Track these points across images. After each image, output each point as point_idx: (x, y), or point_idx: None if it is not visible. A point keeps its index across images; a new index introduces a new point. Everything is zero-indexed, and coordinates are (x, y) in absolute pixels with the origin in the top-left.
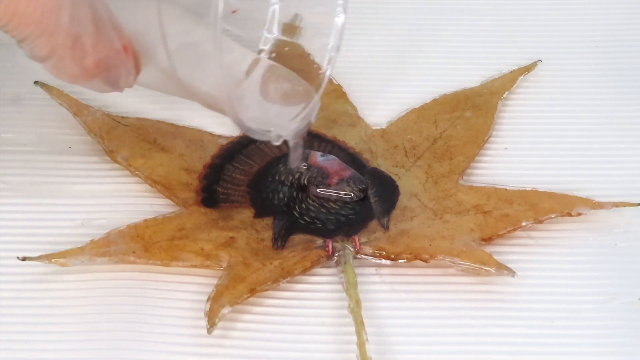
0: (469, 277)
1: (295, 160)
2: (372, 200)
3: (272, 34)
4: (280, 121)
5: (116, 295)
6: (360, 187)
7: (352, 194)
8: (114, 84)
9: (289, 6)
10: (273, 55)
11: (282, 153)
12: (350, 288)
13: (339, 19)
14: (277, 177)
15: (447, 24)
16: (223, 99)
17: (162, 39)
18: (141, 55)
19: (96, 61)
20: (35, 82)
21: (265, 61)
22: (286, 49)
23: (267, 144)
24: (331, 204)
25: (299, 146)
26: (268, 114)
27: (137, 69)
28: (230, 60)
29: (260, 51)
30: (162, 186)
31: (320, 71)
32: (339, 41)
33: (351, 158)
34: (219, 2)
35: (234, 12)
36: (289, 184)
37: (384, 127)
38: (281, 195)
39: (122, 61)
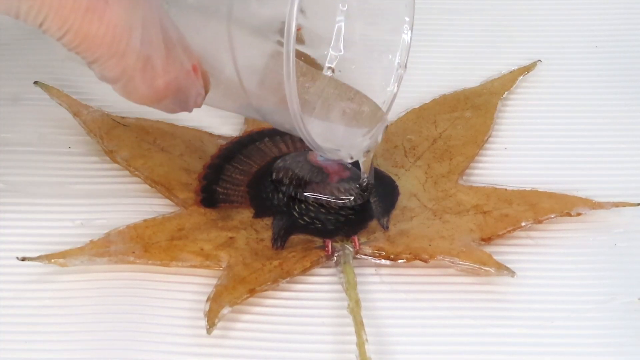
0: (469, 277)
1: (367, 177)
2: (371, 201)
3: (338, 52)
4: (348, 141)
5: (116, 295)
6: (362, 190)
7: (350, 199)
8: (184, 105)
9: (355, 23)
10: (339, 72)
11: (281, 153)
12: (350, 288)
13: (406, 36)
14: (274, 177)
15: (447, 24)
16: (294, 119)
17: (232, 61)
18: (210, 75)
19: (166, 82)
20: (35, 82)
21: (331, 80)
22: (353, 67)
23: (266, 143)
24: (331, 203)
25: (368, 163)
26: (336, 134)
27: (206, 89)
28: (302, 81)
29: (326, 69)
30: (162, 186)
31: (387, 89)
32: (406, 58)
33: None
34: (292, 27)
35: (299, 29)
36: (287, 182)
37: None
38: (280, 195)
39: (192, 82)
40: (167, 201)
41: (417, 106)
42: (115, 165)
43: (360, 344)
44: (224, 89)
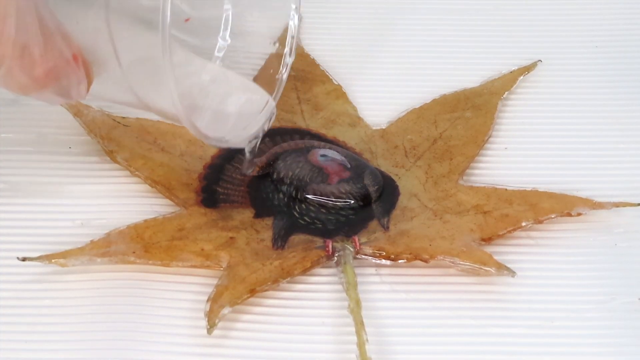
0: (469, 277)
1: (248, 168)
2: (373, 199)
3: (225, 41)
4: (235, 129)
5: (116, 296)
6: (361, 190)
7: (350, 200)
8: (66, 94)
9: (243, 12)
10: (227, 62)
11: (282, 149)
12: (350, 288)
13: (293, 22)
14: (275, 176)
15: (447, 24)
16: (179, 111)
17: (113, 50)
18: (93, 65)
19: (46, 71)
20: None
21: (221, 70)
22: (242, 55)
23: (266, 143)
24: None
25: (253, 153)
26: (224, 123)
27: (89, 79)
28: (187, 72)
29: (215, 58)
30: (162, 186)
31: (276, 76)
32: (294, 45)
33: (352, 156)
34: (167, 11)
35: (187, 20)
36: (288, 182)
37: (384, 127)
38: (281, 195)
39: (73, 71)
40: (168, 201)
41: (417, 106)
42: (115, 165)
43: (361, 344)
44: (108, 80)
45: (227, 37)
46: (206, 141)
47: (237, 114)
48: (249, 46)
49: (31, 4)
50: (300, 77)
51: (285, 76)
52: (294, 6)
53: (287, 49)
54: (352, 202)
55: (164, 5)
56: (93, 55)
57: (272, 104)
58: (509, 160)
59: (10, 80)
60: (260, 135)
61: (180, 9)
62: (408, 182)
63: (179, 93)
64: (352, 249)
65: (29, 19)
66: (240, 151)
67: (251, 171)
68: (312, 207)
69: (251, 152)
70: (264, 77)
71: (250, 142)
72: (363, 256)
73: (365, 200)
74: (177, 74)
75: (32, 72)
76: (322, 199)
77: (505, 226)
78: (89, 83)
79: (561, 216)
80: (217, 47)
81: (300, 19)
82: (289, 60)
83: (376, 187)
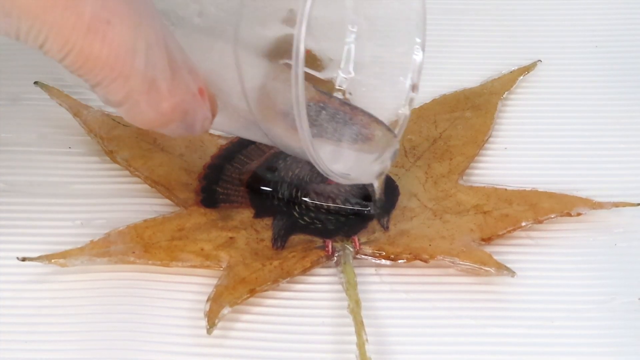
0: (469, 277)
1: (376, 208)
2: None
3: (348, 74)
4: (359, 165)
5: (116, 296)
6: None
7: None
8: (191, 128)
9: (365, 44)
10: (349, 95)
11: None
12: (350, 288)
13: (417, 57)
14: (277, 174)
15: (447, 24)
16: (304, 144)
17: (240, 83)
18: (217, 98)
19: (172, 106)
20: (35, 82)
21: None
22: (364, 89)
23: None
24: (330, 200)
25: (380, 186)
26: (346, 158)
27: (214, 112)
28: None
29: (336, 92)
30: (162, 186)
31: (399, 111)
32: (418, 79)
33: None
34: (300, 47)
35: (307, 52)
36: (288, 180)
37: None
38: (280, 195)
39: (199, 105)
40: (167, 201)
41: (417, 106)
42: (115, 165)
43: (361, 344)
44: (232, 112)
45: (350, 70)
46: (329, 176)
47: (358, 149)
48: (369, 80)
49: (160, 37)
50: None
51: (408, 112)
52: (419, 40)
53: (409, 83)
54: (351, 208)
55: (297, 43)
56: (218, 88)
57: (396, 140)
58: (509, 160)
59: (137, 114)
60: (385, 172)
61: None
62: (408, 182)
63: (307, 126)
64: (351, 249)
65: (158, 53)
66: (240, 151)
67: (377, 210)
68: (311, 207)
69: (378, 187)
70: (386, 112)
71: (376, 178)
72: (363, 256)
73: (365, 202)
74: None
75: (159, 106)
76: (322, 203)
77: (505, 226)
78: (213, 116)
79: (561, 216)
80: (339, 80)
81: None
82: (412, 94)
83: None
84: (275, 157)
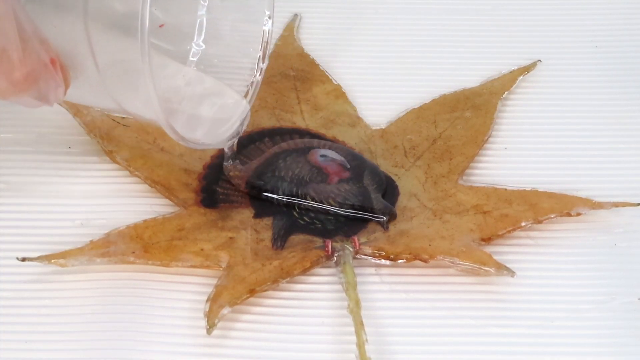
0: (469, 277)
1: (229, 170)
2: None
3: (200, 47)
4: (212, 131)
5: (116, 296)
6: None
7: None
8: (44, 98)
9: (217, 18)
10: (202, 66)
11: (281, 149)
12: (350, 288)
13: (267, 28)
14: (277, 173)
15: (447, 24)
16: (158, 114)
17: (91, 54)
18: (70, 69)
19: (24, 75)
20: None
21: (197, 74)
22: (216, 60)
23: (266, 144)
24: (330, 201)
25: (231, 154)
26: (201, 126)
27: (67, 83)
28: (163, 75)
29: (189, 63)
30: (162, 186)
31: (252, 79)
32: (268, 50)
33: (352, 155)
34: (145, 16)
35: (161, 26)
36: (288, 180)
37: (383, 127)
38: (281, 191)
39: (51, 75)
40: (167, 201)
41: (416, 106)
42: (115, 165)
43: (360, 344)
44: (85, 83)
45: (201, 43)
46: (183, 143)
47: (212, 116)
48: (223, 51)
49: (9, 8)
50: (300, 77)
51: (259, 79)
52: (267, 12)
53: (260, 54)
54: (351, 211)
55: (143, 10)
56: (70, 60)
57: (247, 106)
58: (509, 160)
59: None
60: (237, 136)
61: (155, 15)
62: (407, 182)
63: (158, 96)
64: (351, 249)
65: (7, 24)
66: (240, 151)
67: (231, 173)
68: (311, 207)
69: (230, 151)
70: (238, 81)
71: (228, 142)
72: (362, 256)
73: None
74: (155, 78)
75: (10, 76)
76: (322, 206)
77: (504, 226)
78: (66, 87)
79: (561, 216)
80: (192, 52)
81: (300, 19)
82: (262, 65)
83: (375, 185)
84: (275, 157)
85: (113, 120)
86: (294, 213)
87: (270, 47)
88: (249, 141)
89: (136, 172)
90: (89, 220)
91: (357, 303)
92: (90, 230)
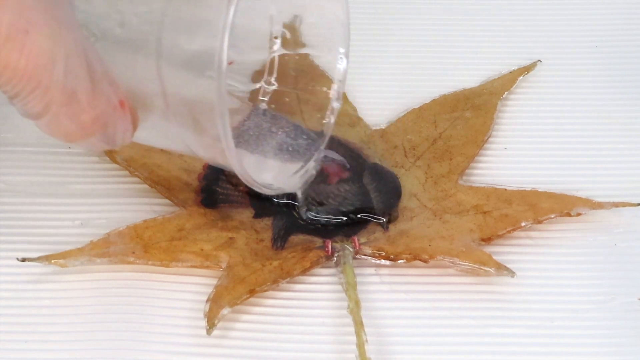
0: (469, 277)
1: (305, 213)
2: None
3: (271, 85)
4: (283, 174)
5: (116, 296)
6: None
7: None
8: (111, 141)
9: (288, 56)
10: (272, 106)
11: None
12: (350, 288)
13: (341, 66)
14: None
15: (447, 24)
16: (229, 158)
17: (162, 95)
18: (138, 110)
19: (93, 118)
20: None
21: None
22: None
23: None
24: (330, 200)
25: (305, 197)
26: (271, 168)
27: (135, 125)
28: (234, 116)
29: (260, 102)
30: (162, 186)
31: (323, 121)
32: (342, 89)
33: (351, 154)
34: (222, 59)
35: (230, 63)
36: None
37: (383, 128)
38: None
39: (119, 117)
40: (167, 201)
41: (416, 106)
42: (115, 165)
43: (360, 344)
44: (154, 125)
45: (273, 81)
46: (256, 188)
47: (283, 159)
48: (293, 90)
49: (80, 48)
50: (300, 77)
51: (332, 121)
52: (342, 50)
53: (333, 93)
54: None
55: (221, 52)
56: (139, 101)
57: (321, 149)
58: (509, 160)
59: (57, 127)
60: (309, 181)
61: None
62: (408, 182)
63: (230, 139)
64: (351, 249)
65: (77, 64)
66: None
67: (307, 214)
68: (311, 207)
69: (304, 195)
70: (311, 122)
71: (300, 187)
72: (362, 256)
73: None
74: (229, 120)
75: (79, 118)
76: (322, 217)
77: (504, 226)
78: (134, 129)
79: (561, 216)
80: (262, 91)
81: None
82: (336, 104)
83: (375, 185)
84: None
85: None
86: (294, 213)
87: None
88: None
89: (136, 172)
90: (89, 220)
91: (357, 303)
92: (90, 230)
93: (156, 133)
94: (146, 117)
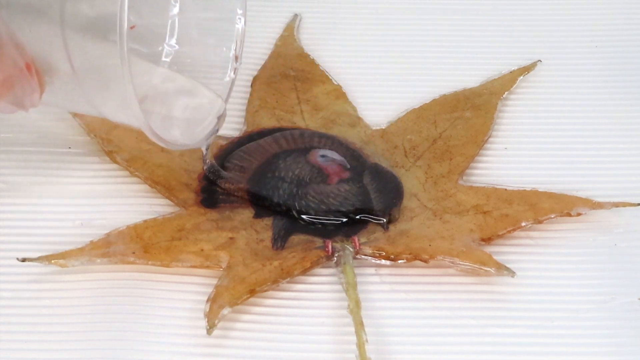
0: (469, 277)
1: (208, 171)
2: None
3: (172, 47)
4: (189, 131)
5: (116, 296)
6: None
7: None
8: (19, 104)
9: (189, 18)
10: (175, 67)
11: (281, 149)
12: (350, 288)
13: (239, 26)
14: (277, 174)
15: (447, 24)
16: (135, 116)
17: (67, 58)
18: (45, 73)
19: (0, 80)
20: None
21: (168, 73)
22: (189, 60)
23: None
24: (331, 200)
25: (209, 152)
26: (177, 126)
27: (42, 88)
28: (137, 76)
29: (163, 63)
30: (162, 186)
31: (225, 79)
32: (241, 48)
33: (351, 154)
34: (124, 19)
35: (132, 27)
36: (288, 181)
37: (383, 128)
38: (281, 192)
39: (26, 80)
40: (167, 201)
41: (417, 106)
42: (115, 165)
43: (360, 344)
44: (61, 88)
45: (174, 44)
46: (161, 143)
47: (188, 116)
48: (196, 52)
49: None
50: (300, 77)
51: (233, 78)
52: (240, 11)
53: (232, 53)
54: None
55: (121, 14)
56: (46, 64)
57: (223, 105)
58: (509, 160)
59: None
60: (214, 135)
61: (127, 17)
62: (408, 182)
63: (135, 101)
64: (351, 249)
65: None
66: (240, 151)
67: (210, 172)
68: (312, 205)
69: (207, 151)
70: (213, 79)
71: (205, 141)
72: (363, 256)
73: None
74: (133, 80)
75: None
76: (320, 219)
77: (505, 226)
78: (41, 91)
79: (561, 216)
80: (164, 53)
81: (300, 19)
82: (236, 64)
83: (375, 185)
84: (276, 157)
85: None
86: (294, 213)
87: (245, 45)
88: (249, 141)
89: (136, 172)
90: (89, 220)
91: (357, 303)
92: (90, 230)
93: (64, 96)
94: (53, 81)
